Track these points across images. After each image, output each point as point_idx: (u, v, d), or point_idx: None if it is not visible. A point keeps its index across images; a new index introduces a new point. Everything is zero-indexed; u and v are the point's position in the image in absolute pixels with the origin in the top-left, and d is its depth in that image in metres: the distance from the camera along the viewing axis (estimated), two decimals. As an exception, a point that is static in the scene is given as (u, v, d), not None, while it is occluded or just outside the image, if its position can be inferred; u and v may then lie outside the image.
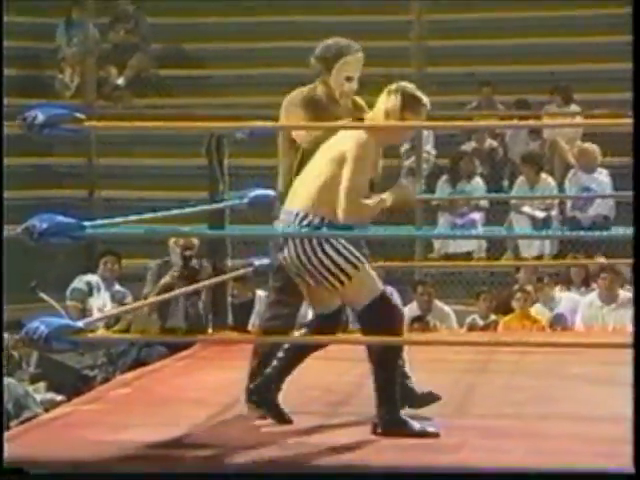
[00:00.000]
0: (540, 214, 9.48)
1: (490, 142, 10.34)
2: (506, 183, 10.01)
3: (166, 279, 6.66)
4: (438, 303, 8.39)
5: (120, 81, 11.42)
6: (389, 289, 3.95)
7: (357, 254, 3.84)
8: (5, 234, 4.38)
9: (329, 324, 3.94)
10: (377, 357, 3.85)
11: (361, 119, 4.00)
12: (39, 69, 11.55)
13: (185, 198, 8.17)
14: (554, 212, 9.56)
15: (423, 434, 3.84)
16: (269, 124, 4.58)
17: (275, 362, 3.97)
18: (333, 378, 4.72)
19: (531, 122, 10.34)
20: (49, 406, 5.99)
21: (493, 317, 8.20)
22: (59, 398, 6.44)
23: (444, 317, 8.32)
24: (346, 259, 3.81)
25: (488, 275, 9.16)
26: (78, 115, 3.83)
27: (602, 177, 9.52)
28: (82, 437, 3.95)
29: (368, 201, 3.81)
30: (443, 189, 9.77)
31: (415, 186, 4.01)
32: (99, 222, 4.26)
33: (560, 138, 10.02)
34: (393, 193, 3.89)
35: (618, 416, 4.12)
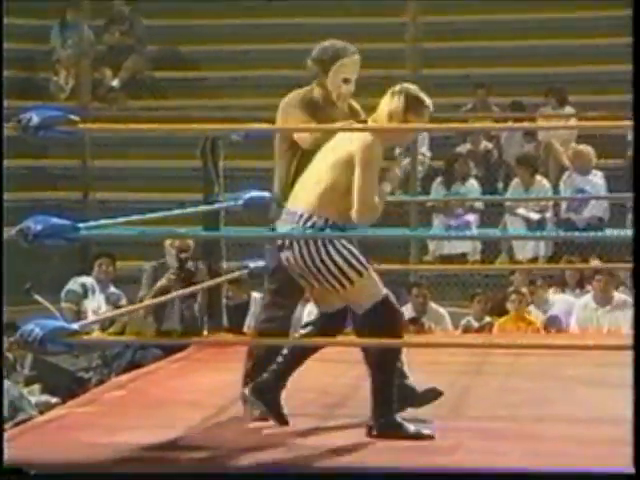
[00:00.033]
0: (535, 216, 9.49)
1: (485, 144, 10.35)
2: (501, 185, 10.02)
3: (162, 282, 6.65)
4: (433, 305, 8.39)
5: (115, 83, 11.42)
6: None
7: (362, 259, 3.84)
8: (0, 236, 4.37)
9: (333, 323, 3.93)
10: (375, 360, 3.85)
11: (362, 122, 4.00)
12: (34, 71, 11.54)
13: (180, 200, 8.17)
14: (549, 214, 9.57)
15: (418, 436, 3.84)
16: (264, 126, 4.58)
17: (277, 362, 3.97)
18: (329, 380, 4.71)
19: (526, 124, 10.33)
20: (44, 408, 5.98)
21: (488, 319, 8.21)
22: (54, 400, 6.43)
23: (439, 319, 8.32)
24: (350, 264, 3.82)
25: (483, 277, 9.16)
26: (73, 117, 3.83)
27: (596, 179, 9.54)
28: (77, 440, 3.94)
29: (378, 200, 3.84)
30: (438, 191, 9.77)
31: (388, 191, 4.00)
32: (94, 224, 4.25)
33: (555, 140, 10.03)
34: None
35: (613, 418, 4.12)
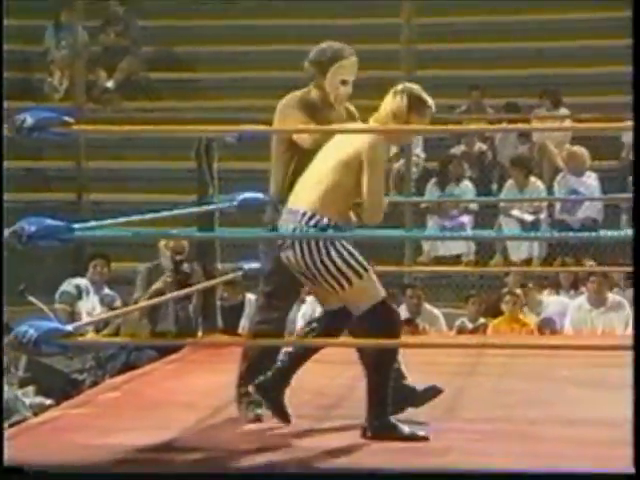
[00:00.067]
0: (529, 217, 9.50)
1: (479, 145, 10.36)
2: (495, 186, 10.03)
3: (158, 285, 6.63)
4: (427, 306, 8.40)
5: (109, 84, 11.41)
6: None
7: (362, 260, 3.85)
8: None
9: (337, 320, 3.93)
10: (372, 361, 3.86)
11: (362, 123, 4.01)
12: (28, 72, 11.53)
13: (174, 201, 8.16)
14: (543, 215, 9.58)
15: (413, 438, 3.84)
16: (259, 127, 4.58)
17: (281, 360, 3.98)
18: (324, 381, 4.71)
19: (520, 126, 10.34)
20: (38, 410, 5.97)
21: (482, 320, 8.21)
22: (48, 402, 6.42)
23: (433, 320, 8.32)
24: (349, 265, 3.82)
25: (477, 278, 9.17)
26: (67, 118, 3.83)
27: (590, 180, 9.55)
28: (71, 441, 3.94)
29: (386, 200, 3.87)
30: (432, 192, 9.78)
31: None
32: (88, 225, 4.25)
33: (549, 141, 10.04)
34: None
35: (608, 419, 4.13)
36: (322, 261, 3.82)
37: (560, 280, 8.78)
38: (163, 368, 5.40)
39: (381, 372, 3.84)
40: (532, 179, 9.63)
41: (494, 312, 8.26)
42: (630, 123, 9.03)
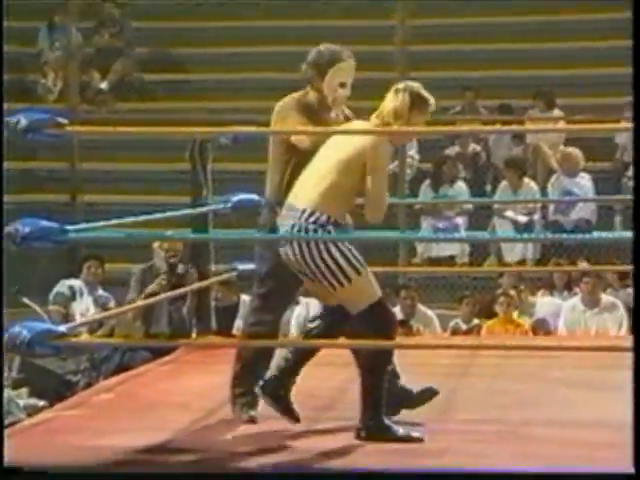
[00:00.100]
0: (523, 218, 9.51)
1: (473, 146, 10.36)
2: (489, 187, 10.04)
3: (153, 287, 6.61)
4: (421, 307, 8.40)
5: (103, 85, 11.40)
6: None
7: (361, 259, 3.85)
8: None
9: (337, 318, 3.93)
10: (366, 362, 3.86)
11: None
12: (22, 73, 11.51)
13: (168, 203, 8.16)
14: (537, 216, 9.59)
15: (407, 439, 3.84)
16: (253, 129, 4.58)
17: (286, 359, 3.99)
18: (317, 383, 4.71)
19: (514, 127, 10.35)
20: (32, 412, 5.96)
21: (476, 321, 8.21)
22: (41, 403, 6.42)
23: (427, 321, 8.32)
24: (349, 262, 3.83)
25: (471, 279, 9.17)
26: (61, 120, 3.83)
27: (584, 181, 9.56)
28: (65, 443, 3.93)
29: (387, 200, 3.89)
30: (426, 193, 9.78)
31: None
32: (82, 226, 4.25)
33: (543, 143, 10.05)
34: None
35: (601, 420, 4.14)
36: (322, 258, 3.82)
37: (554, 281, 8.79)
38: (157, 369, 5.40)
39: (376, 373, 3.84)
40: (526, 180, 9.64)
41: (488, 313, 8.27)
42: (624, 124, 9.08)
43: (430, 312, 8.42)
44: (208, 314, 6.15)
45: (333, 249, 3.83)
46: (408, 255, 9.32)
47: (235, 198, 5.57)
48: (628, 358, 4.12)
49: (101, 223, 4.26)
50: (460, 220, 9.60)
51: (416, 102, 3.91)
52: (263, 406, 4.14)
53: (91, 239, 5.35)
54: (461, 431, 4.04)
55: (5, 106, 9.09)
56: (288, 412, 3.97)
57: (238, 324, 7.55)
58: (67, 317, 7.50)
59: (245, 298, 7.66)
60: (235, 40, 11.39)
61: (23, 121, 3.77)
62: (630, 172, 9.79)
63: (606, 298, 8.08)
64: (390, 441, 3.82)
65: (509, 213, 9.51)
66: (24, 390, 6.84)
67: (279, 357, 4.04)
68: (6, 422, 5.64)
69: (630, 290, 8.51)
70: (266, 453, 3.76)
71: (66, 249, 8.68)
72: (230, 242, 6.70)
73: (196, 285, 6.15)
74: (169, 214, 5.05)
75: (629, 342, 3.61)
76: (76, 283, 7.95)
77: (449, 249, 9.48)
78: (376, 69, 9.29)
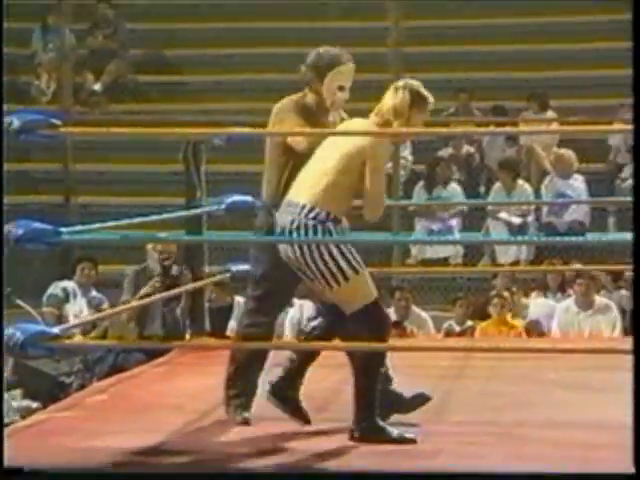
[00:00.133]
0: (516, 220, 9.51)
1: (467, 148, 10.37)
2: (483, 189, 10.04)
3: (147, 289, 6.59)
4: (415, 309, 8.40)
5: (97, 87, 11.39)
6: None
7: (360, 260, 3.86)
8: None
9: (337, 318, 3.93)
10: (359, 363, 3.86)
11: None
12: (15, 75, 11.50)
13: (162, 204, 8.15)
14: (530, 218, 9.60)
15: (401, 440, 3.84)
16: (247, 130, 4.58)
17: (291, 360, 3.99)
18: (311, 385, 4.70)
19: (508, 128, 10.36)
20: (25, 413, 5.95)
21: (470, 323, 8.22)
22: (35, 405, 6.41)
23: (421, 323, 8.32)
24: (348, 262, 3.83)
25: (465, 281, 9.17)
26: (54, 121, 3.82)
27: (578, 183, 9.57)
28: (58, 444, 3.93)
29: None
30: (420, 195, 9.78)
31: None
32: (75, 228, 4.24)
33: (536, 144, 10.06)
34: None
35: (595, 421, 4.14)
36: (321, 257, 3.82)
37: (548, 282, 8.79)
38: (151, 371, 5.40)
39: (369, 374, 3.84)
40: (520, 182, 9.65)
41: (482, 315, 8.27)
42: (617, 126, 9.09)
43: (424, 314, 8.42)
44: (202, 316, 6.14)
45: (333, 248, 3.83)
46: (402, 256, 9.32)
47: (229, 199, 5.56)
48: (622, 359, 4.12)
49: (95, 226, 4.26)
50: (454, 222, 9.60)
51: (416, 100, 3.91)
52: (257, 407, 4.15)
53: (85, 241, 5.35)
54: (455, 433, 4.04)
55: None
56: (297, 413, 3.97)
57: (232, 325, 7.55)
58: (60, 319, 7.48)
59: (239, 300, 7.65)
60: (229, 42, 11.39)
61: (16, 122, 3.77)
62: (624, 174, 9.81)
63: (600, 300, 8.09)
64: (384, 442, 3.82)
65: (503, 214, 9.51)
66: (17, 392, 6.83)
67: (284, 358, 4.04)
68: None
69: (623, 292, 8.52)
70: (260, 454, 3.76)
71: (60, 251, 8.67)
72: (224, 244, 6.70)
73: (190, 286, 6.14)
74: (163, 216, 5.04)
75: (623, 344, 3.62)
76: (69, 285, 7.93)
77: (443, 251, 9.48)
78: (370, 70, 9.28)
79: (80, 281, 7.99)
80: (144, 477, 3.58)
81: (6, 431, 4.30)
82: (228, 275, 5.90)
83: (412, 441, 3.85)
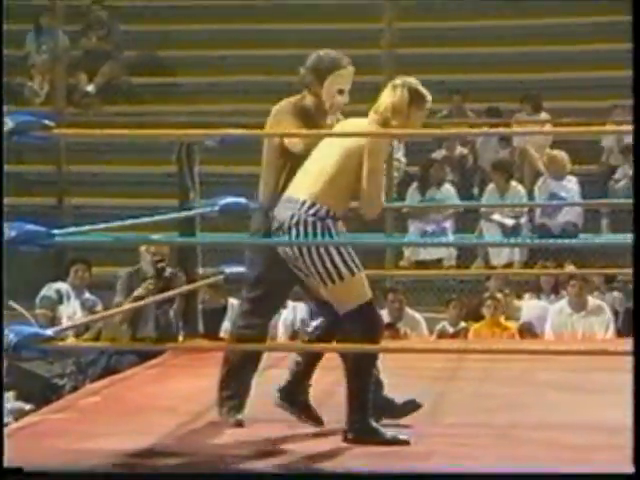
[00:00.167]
0: (509, 221, 9.52)
1: (460, 150, 10.38)
2: (476, 190, 10.05)
3: (140, 291, 6.58)
4: (409, 310, 8.40)
5: (90, 88, 11.38)
6: None
7: (357, 261, 3.86)
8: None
9: (338, 316, 3.93)
10: (352, 364, 3.86)
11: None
12: (8, 76, 11.48)
13: (155, 206, 8.15)
14: (524, 219, 9.60)
15: (394, 442, 3.84)
16: (240, 131, 4.57)
17: (296, 362, 3.99)
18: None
19: (501, 130, 10.37)
20: (18, 415, 5.94)
21: (463, 324, 8.22)
22: (28, 407, 6.39)
23: (415, 324, 8.32)
24: (344, 260, 3.83)
25: (458, 282, 9.18)
26: (47, 122, 3.82)
27: (571, 184, 9.58)
28: (51, 446, 3.92)
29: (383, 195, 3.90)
30: (413, 197, 9.79)
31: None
32: (69, 230, 4.24)
33: (530, 146, 10.07)
34: None
35: (588, 423, 4.14)
36: (319, 254, 3.82)
37: (541, 284, 8.80)
38: (144, 373, 5.39)
39: (361, 376, 3.84)
40: (513, 183, 9.66)
41: (475, 316, 8.27)
42: (610, 127, 9.09)
43: (418, 315, 8.42)
44: (195, 317, 6.14)
45: (331, 247, 3.83)
46: (395, 258, 9.33)
47: (222, 201, 5.56)
48: (615, 361, 4.13)
49: (88, 227, 4.25)
50: (447, 223, 9.61)
51: (414, 98, 3.92)
52: (250, 409, 4.14)
53: (78, 242, 5.34)
54: (448, 434, 4.04)
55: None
56: (310, 415, 3.97)
57: (225, 326, 7.54)
58: (54, 320, 7.48)
59: (233, 302, 7.65)
60: (223, 43, 11.39)
61: (9, 124, 3.77)
62: (617, 175, 9.82)
63: (592, 301, 8.10)
64: (377, 444, 3.82)
65: (496, 216, 9.52)
66: (10, 394, 6.82)
67: (290, 362, 4.04)
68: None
69: (616, 293, 8.53)
70: (253, 456, 3.76)
71: (53, 252, 8.66)
72: (217, 245, 6.69)
73: (184, 288, 6.13)
74: (156, 218, 5.04)
75: (616, 345, 3.62)
76: (63, 286, 7.93)
77: (436, 252, 9.48)
78: (364, 72, 9.28)
79: (73, 283, 7.98)
80: (137, 479, 3.58)
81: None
82: (222, 277, 5.89)
83: (405, 442, 3.85)
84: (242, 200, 5.46)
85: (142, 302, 6.26)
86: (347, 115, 4.17)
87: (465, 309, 8.46)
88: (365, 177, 3.83)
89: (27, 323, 6.39)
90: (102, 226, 4.33)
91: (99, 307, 7.82)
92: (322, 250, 3.82)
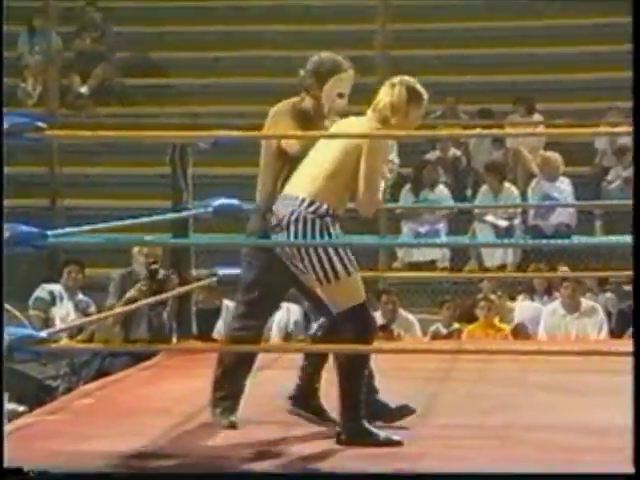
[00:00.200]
0: (503, 223, 9.53)
1: (454, 151, 10.39)
2: (469, 192, 10.06)
3: (133, 293, 6.57)
4: (402, 312, 8.40)
5: (83, 90, 11.37)
6: None
7: (354, 261, 3.86)
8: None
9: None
10: (344, 365, 3.86)
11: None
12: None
13: (148, 207, 8.14)
14: (517, 221, 9.61)
15: (387, 443, 3.84)
16: (234, 133, 4.58)
17: (304, 365, 3.98)
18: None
19: (494, 131, 10.38)
20: (11, 417, 5.92)
21: (457, 326, 8.22)
22: (21, 409, 6.38)
23: (408, 326, 8.33)
24: (341, 261, 3.83)
25: (452, 284, 9.19)
26: (40, 124, 3.81)
27: (564, 186, 9.60)
28: (45, 448, 3.92)
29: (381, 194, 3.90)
30: (406, 198, 9.79)
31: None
32: (62, 231, 4.24)
33: (523, 147, 10.08)
34: None
35: (581, 424, 4.15)
36: (316, 252, 3.82)
37: (534, 285, 8.81)
38: (137, 374, 5.39)
39: (354, 376, 3.84)
40: (506, 184, 9.67)
41: (469, 317, 8.28)
42: (603, 129, 9.07)
43: (411, 317, 8.43)
44: (189, 319, 6.13)
45: (329, 246, 3.83)
46: (389, 260, 9.33)
47: (216, 203, 5.56)
48: (608, 362, 4.14)
49: (81, 228, 4.25)
50: (441, 224, 9.61)
51: (412, 96, 3.93)
52: (243, 411, 4.14)
53: (71, 244, 5.34)
54: (441, 435, 4.05)
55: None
56: (326, 418, 3.96)
57: (219, 328, 7.54)
58: (47, 322, 7.47)
59: (227, 303, 7.65)
60: (216, 45, 11.39)
61: (2, 125, 3.76)
62: (610, 176, 9.84)
63: (586, 302, 8.12)
64: (370, 445, 3.82)
65: (489, 217, 9.53)
66: (4, 395, 6.80)
67: (297, 369, 4.03)
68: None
69: (609, 294, 8.55)
70: (246, 458, 3.76)
71: (46, 254, 8.65)
72: (211, 247, 6.69)
73: (177, 290, 6.13)
74: (149, 219, 5.03)
75: (609, 346, 3.63)
76: (56, 288, 7.92)
77: (430, 254, 9.49)
78: (356, 73, 9.31)
79: (67, 284, 7.97)
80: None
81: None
82: (215, 279, 5.89)
83: (398, 443, 3.85)
84: (235, 202, 5.46)
85: (135, 304, 6.25)
86: (341, 117, 4.17)
87: (459, 310, 8.46)
88: (363, 175, 3.83)
89: (20, 324, 6.39)
90: (95, 227, 4.33)
91: (92, 308, 7.81)
92: (320, 249, 3.82)
